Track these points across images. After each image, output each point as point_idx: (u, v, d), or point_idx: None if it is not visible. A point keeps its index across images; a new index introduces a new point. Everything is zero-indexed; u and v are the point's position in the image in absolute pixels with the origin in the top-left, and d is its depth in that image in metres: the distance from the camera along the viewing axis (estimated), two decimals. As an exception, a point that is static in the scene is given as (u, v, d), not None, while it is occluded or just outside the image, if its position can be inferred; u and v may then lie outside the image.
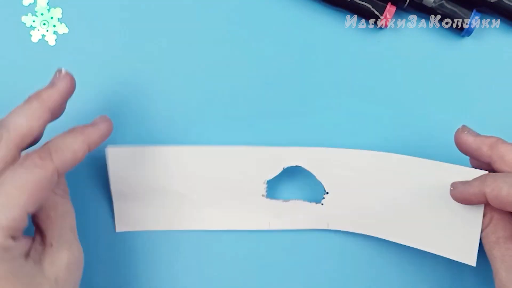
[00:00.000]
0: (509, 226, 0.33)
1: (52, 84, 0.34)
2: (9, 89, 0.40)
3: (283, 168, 0.38)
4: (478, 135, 0.34)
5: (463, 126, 0.35)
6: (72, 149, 0.32)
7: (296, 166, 0.38)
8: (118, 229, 0.39)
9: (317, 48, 0.40)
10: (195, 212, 0.39)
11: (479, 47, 0.40)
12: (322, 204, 0.38)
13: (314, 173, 0.38)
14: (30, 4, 0.40)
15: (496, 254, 0.32)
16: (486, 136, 0.34)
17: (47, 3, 0.40)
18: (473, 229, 0.34)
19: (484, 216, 0.34)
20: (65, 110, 0.35)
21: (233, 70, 0.40)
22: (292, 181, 0.40)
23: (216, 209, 0.39)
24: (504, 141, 0.33)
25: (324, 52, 0.40)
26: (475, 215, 0.34)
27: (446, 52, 0.40)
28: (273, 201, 0.39)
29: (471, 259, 0.35)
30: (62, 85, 0.34)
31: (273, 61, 0.40)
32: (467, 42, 0.40)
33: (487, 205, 0.34)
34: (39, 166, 0.30)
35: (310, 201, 0.39)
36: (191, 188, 0.38)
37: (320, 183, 0.38)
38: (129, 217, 0.39)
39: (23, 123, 0.31)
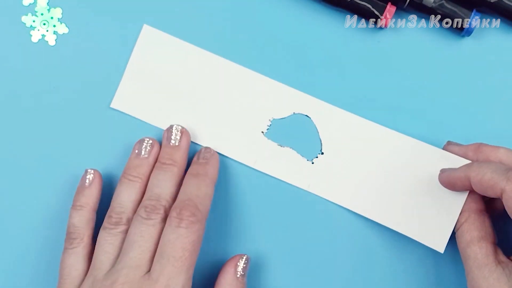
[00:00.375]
0: (484, 227, 0.35)
1: (177, 145, 0.37)
2: (9, 89, 0.40)
3: (293, 113, 0.38)
4: (462, 145, 0.37)
5: (448, 141, 0.38)
6: (209, 195, 0.36)
7: (306, 116, 0.38)
8: (113, 105, 0.39)
9: (317, 48, 0.40)
10: (190, 121, 0.39)
11: (479, 47, 0.40)
12: (313, 163, 0.39)
13: (319, 130, 0.38)
14: (30, 4, 0.40)
15: (470, 253, 0.34)
16: (469, 144, 0.37)
17: (47, 3, 0.40)
18: (449, 218, 0.36)
19: (461, 213, 0.36)
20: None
21: (233, 70, 0.40)
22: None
23: (212, 127, 0.39)
24: (486, 144, 0.36)
25: (324, 52, 0.40)
26: (455, 205, 0.36)
27: (446, 52, 0.40)
28: (269, 142, 0.39)
29: (440, 246, 0.36)
30: (185, 143, 0.37)
31: (273, 61, 0.40)
32: (467, 42, 0.40)
33: (466, 203, 0.36)
34: (195, 222, 0.33)
35: (303, 156, 0.39)
36: (200, 97, 0.39)
37: (320, 141, 0.38)
38: (129, 98, 0.39)
39: (174, 191, 0.36)
